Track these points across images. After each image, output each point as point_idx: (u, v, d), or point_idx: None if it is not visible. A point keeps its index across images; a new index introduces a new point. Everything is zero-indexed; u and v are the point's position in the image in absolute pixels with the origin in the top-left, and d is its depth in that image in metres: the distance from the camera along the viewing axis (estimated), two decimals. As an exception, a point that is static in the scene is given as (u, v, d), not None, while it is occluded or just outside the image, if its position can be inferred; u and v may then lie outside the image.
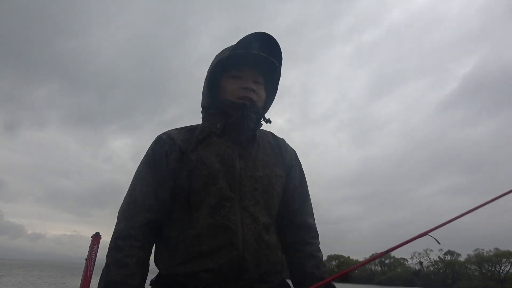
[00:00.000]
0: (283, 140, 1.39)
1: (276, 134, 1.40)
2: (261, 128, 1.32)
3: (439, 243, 0.92)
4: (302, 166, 1.39)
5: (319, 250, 1.29)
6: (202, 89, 1.32)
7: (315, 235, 1.31)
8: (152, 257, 1.19)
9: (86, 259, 6.49)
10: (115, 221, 1.18)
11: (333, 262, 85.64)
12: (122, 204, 1.21)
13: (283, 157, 1.32)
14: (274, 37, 1.25)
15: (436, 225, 0.96)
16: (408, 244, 1.04)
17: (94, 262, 6.50)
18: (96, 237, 6.61)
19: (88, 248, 6.54)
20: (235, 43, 1.24)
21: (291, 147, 1.39)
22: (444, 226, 0.97)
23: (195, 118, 1.38)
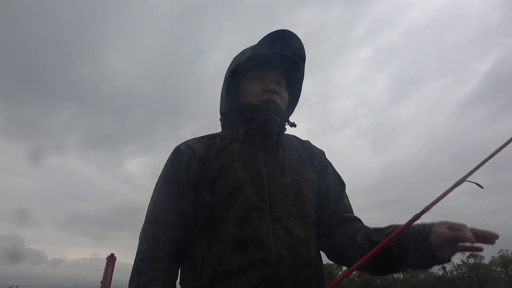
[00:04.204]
0: (309, 142, 1.30)
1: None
2: (284, 132, 1.22)
3: (482, 187, 0.78)
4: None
5: (364, 225, 1.11)
6: (220, 95, 1.24)
7: (358, 219, 1.15)
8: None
9: (101, 282, 6.36)
10: (132, 242, 1.09)
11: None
12: (144, 223, 1.11)
13: (312, 160, 1.22)
14: (296, 34, 1.15)
15: (472, 167, 0.79)
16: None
17: (109, 284, 6.37)
18: (111, 259, 6.48)
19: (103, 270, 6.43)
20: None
21: (318, 148, 1.29)
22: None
23: (214, 132, 1.30)
